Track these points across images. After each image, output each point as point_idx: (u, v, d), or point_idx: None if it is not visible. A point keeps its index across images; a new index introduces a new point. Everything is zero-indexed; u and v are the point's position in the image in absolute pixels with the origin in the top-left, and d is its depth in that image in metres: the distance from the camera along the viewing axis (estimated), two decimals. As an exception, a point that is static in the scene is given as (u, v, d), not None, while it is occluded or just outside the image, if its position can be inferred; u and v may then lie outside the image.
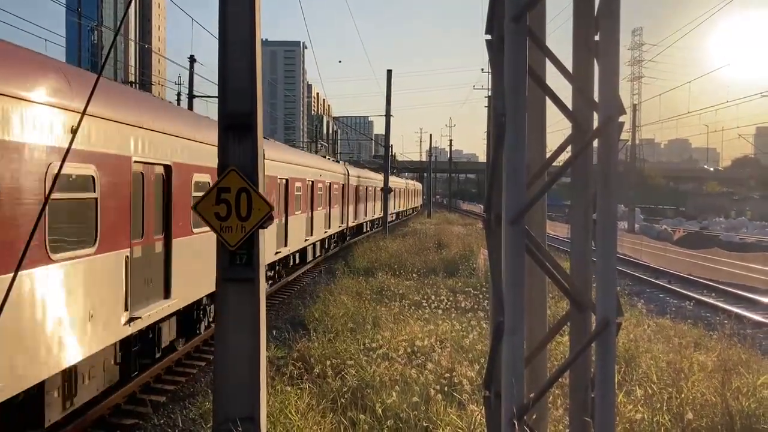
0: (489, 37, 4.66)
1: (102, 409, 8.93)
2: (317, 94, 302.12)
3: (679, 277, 24.99)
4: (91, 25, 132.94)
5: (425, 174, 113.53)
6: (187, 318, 11.99)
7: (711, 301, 19.32)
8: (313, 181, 23.89)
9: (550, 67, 4.62)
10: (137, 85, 56.90)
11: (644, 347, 10.25)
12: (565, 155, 4.87)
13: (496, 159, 4.50)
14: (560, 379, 4.88)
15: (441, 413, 7.28)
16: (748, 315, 16.85)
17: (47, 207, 6.07)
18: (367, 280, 18.68)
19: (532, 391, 4.64)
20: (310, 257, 24.90)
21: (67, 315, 7.14)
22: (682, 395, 7.72)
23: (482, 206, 5.09)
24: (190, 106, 35.57)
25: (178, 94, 42.51)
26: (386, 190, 38.88)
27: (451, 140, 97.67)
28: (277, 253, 18.73)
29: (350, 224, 34.20)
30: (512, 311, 4.25)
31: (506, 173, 4.29)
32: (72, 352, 7.23)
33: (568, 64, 4.53)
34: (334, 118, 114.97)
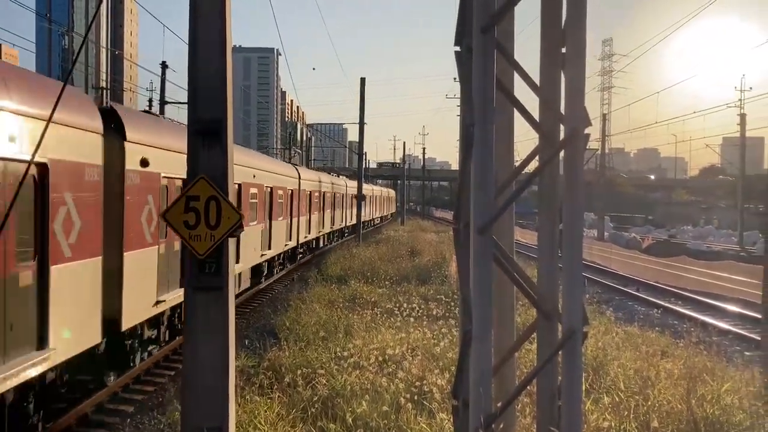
0: (458, 48, 4.70)
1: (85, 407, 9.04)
2: (291, 101, 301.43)
3: (648, 285, 25.30)
4: (61, 30, 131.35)
5: (398, 181, 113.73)
6: None
7: (678, 309, 19.58)
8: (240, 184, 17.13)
9: (517, 79, 4.67)
10: (108, 92, 56.26)
11: (612, 355, 10.35)
12: (534, 164, 4.93)
13: (465, 169, 4.53)
14: (528, 387, 4.91)
15: (411, 422, 7.27)
16: (714, 323, 17.10)
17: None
18: (339, 287, 18.63)
19: (500, 399, 4.66)
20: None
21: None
22: (649, 403, 7.81)
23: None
24: (162, 113, 35.25)
25: (150, 101, 42.13)
26: (359, 198, 38.88)
27: (424, 148, 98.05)
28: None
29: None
30: (480, 320, 4.27)
31: (474, 183, 4.32)
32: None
33: (536, 76, 4.59)
34: (307, 125, 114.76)
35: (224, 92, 6.37)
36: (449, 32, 4.72)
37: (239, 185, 18.11)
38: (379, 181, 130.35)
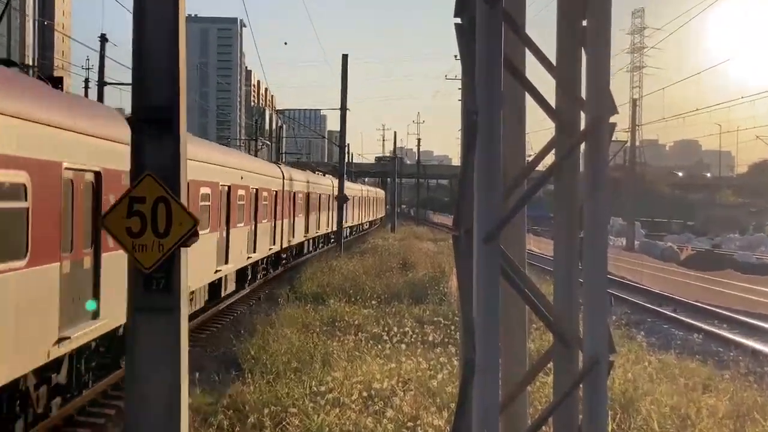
0: (459, 20, 4.71)
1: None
2: (258, 82, 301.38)
3: (687, 304, 25.45)
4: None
5: (388, 179, 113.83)
6: None
7: (723, 333, 19.71)
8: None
9: (530, 57, 4.70)
10: (35, 69, 56.03)
11: (644, 389, 10.40)
12: (549, 159, 4.95)
13: (467, 165, 4.55)
14: (543, 428, 4.93)
15: (402, 471, 7.28)
16: (767, 350, 17.22)
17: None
18: (316, 308, 18.60)
19: (508, 443, 4.67)
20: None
21: None
22: (689, 446, 7.85)
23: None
24: (101, 96, 35.15)
25: (86, 81, 41.99)
26: (341, 199, 38.87)
27: (419, 139, 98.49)
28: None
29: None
30: (485, 347, 4.28)
31: (478, 182, 4.34)
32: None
33: (552, 54, 4.61)
34: (278, 111, 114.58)
35: (176, 72, 6.36)
36: (449, 2, 4.74)
37: (228, 187, 20.35)
38: (367, 180, 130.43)
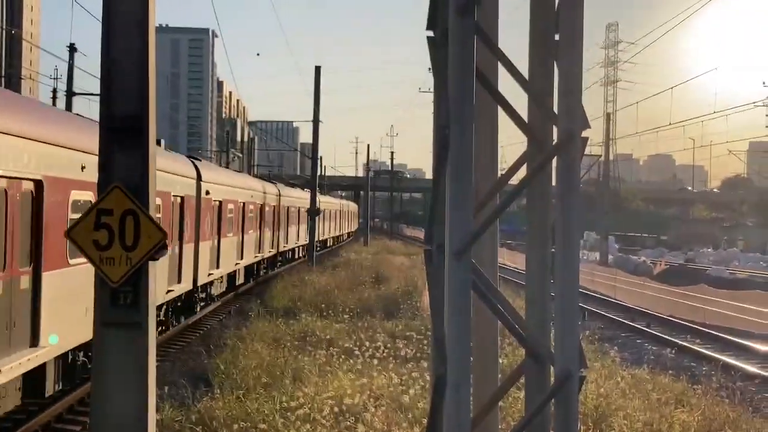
0: (431, 33, 4.75)
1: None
2: (230, 93, 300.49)
3: (660, 318, 25.65)
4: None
5: (361, 192, 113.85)
6: None
7: (696, 347, 19.88)
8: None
9: (503, 71, 4.73)
10: (2, 80, 55.59)
11: (617, 404, 10.46)
12: (522, 173, 4.99)
13: (439, 178, 4.57)
14: (515, 444, 4.94)
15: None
16: (739, 365, 17.39)
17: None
18: (287, 322, 18.53)
19: (480, 459, 4.68)
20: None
21: None
22: (661, 461, 7.90)
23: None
24: (69, 105, 34.88)
25: (54, 91, 41.67)
26: (313, 212, 38.83)
27: (392, 152, 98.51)
28: None
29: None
30: (456, 362, 4.29)
31: (450, 196, 4.36)
32: None
33: (525, 68, 4.65)
34: (250, 122, 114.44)
35: (146, 81, 6.34)
36: (423, 13, 4.77)
37: (219, 202, 21.38)
38: (342, 193, 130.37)
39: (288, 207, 41.09)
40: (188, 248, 20.08)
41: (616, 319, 25.13)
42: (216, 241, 23.87)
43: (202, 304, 23.24)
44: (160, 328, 18.28)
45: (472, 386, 4.50)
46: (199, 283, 21.85)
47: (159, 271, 17.00)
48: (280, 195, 38.43)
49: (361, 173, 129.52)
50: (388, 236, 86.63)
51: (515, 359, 12.23)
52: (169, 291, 18.30)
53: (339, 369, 12.62)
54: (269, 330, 17.28)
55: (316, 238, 40.56)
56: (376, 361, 13.18)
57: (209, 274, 23.14)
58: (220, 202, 24.16)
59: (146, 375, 6.19)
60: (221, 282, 26.13)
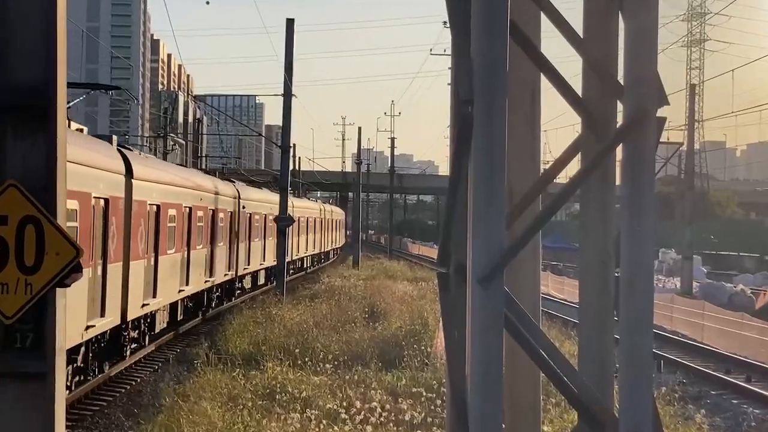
0: (448, -27, 4.76)
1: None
2: (168, 56, 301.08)
3: (765, 370, 25.60)
4: None
5: (350, 194, 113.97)
6: None
7: (814, 409, 19.84)
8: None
9: (547, 24, 4.75)
10: None
11: (705, 488, 10.46)
12: (574, 168, 4.99)
13: (459, 175, 4.58)
14: None
15: None
16: None
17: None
18: (247, 374, 18.52)
19: None
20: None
21: None
22: None
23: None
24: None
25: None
26: (283, 222, 38.83)
27: (393, 138, 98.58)
28: None
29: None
30: (482, 429, 4.29)
31: (474, 199, 4.36)
32: None
33: (577, 23, 4.67)
34: (196, 97, 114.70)
35: (52, 40, 6.36)
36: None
37: (157, 206, 23.07)
38: (319, 194, 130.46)
39: (250, 214, 41.08)
40: (114, 269, 20.03)
41: (703, 370, 25.08)
42: (153, 260, 23.88)
43: (132, 346, 23.20)
44: (75, 379, 18.12)
45: (504, 463, 4.50)
46: (129, 317, 21.74)
47: (74, 301, 16.94)
48: (238, 198, 38.41)
49: (349, 167, 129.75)
50: (387, 254, 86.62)
51: (564, 425, 12.23)
52: (89, 327, 18.08)
53: (319, 439, 12.59)
54: (223, 384, 17.25)
55: (288, 257, 40.53)
56: (370, 429, 13.16)
57: (143, 305, 23.12)
58: (158, 206, 24.21)
59: (51, 446, 6.18)
60: (161, 315, 26.13)
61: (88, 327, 18.07)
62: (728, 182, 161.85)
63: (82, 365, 18.53)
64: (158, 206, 24.11)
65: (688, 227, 57.02)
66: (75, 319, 16.59)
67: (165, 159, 60.53)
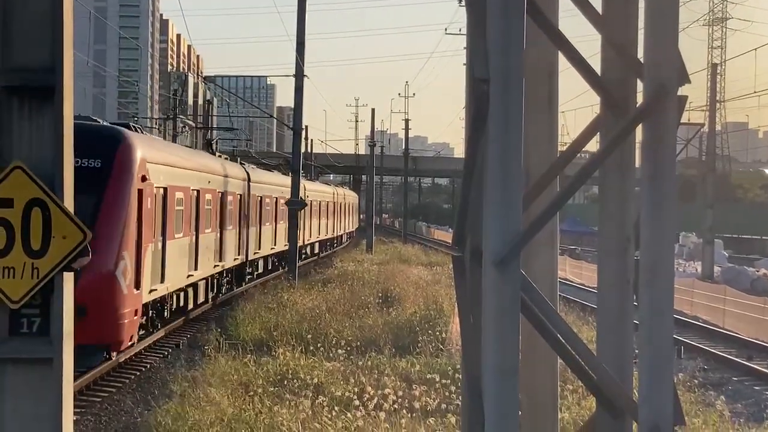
0: (463, -52, 4.74)
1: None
2: (178, 36, 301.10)
3: (788, 356, 25.55)
4: None
5: (363, 177, 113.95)
6: None
7: (839, 397, 19.80)
8: None
9: (565, 3, 4.73)
10: None
11: (726, 476, 10.45)
12: (592, 149, 4.97)
13: (474, 155, 4.56)
14: None
15: None
16: None
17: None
18: (258, 360, 18.57)
19: None
20: None
21: None
22: None
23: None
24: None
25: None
26: (295, 205, 38.83)
27: (407, 119, 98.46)
28: None
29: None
30: (499, 416, 4.29)
31: (491, 181, 4.35)
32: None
33: (596, 0, 4.64)
34: (206, 78, 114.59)
35: (59, 20, 6.35)
36: None
37: (164, 189, 23.77)
38: (335, 179, 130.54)
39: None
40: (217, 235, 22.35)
41: (724, 356, 25.05)
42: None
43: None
44: (196, 305, 24.55)
45: (520, 451, 4.49)
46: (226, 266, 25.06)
47: (184, 259, 23.81)
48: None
49: (362, 150, 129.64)
50: (401, 238, 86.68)
51: (582, 412, 12.22)
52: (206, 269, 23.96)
53: (331, 426, 12.61)
54: (233, 371, 17.31)
55: (300, 242, 40.56)
56: (383, 415, 13.17)
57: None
58: (165, 189, 24.21)
59: (60, 430, 6.20)
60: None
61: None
62: (751, 164, 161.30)
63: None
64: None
65: (709, 210, 56.78)
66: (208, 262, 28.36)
67: (174, 141, 60.63)
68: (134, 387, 19.08)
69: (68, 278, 6.36)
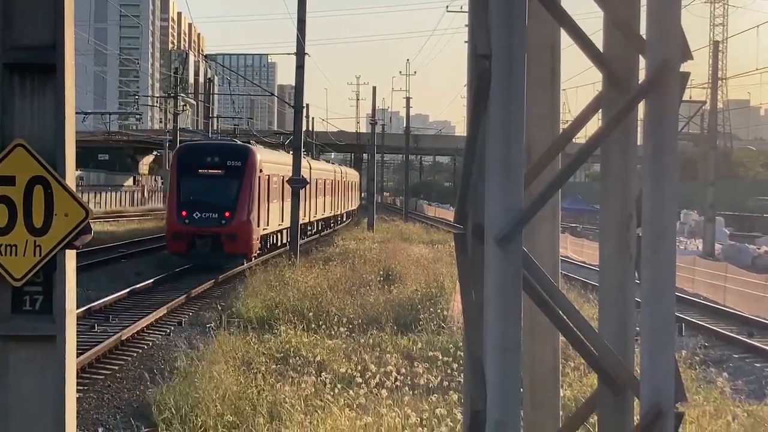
0: (464, -76, 4.72)
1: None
2: (179, 14, 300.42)
3: (788, 333, 25.56)
4: None
5: (365, 155, 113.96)
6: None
7: (839, 374, 19.82)
8: None
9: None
10: None
11: (727, 453, 10.48)
12: (594, 126, 4.96)
13: (476, 134, 4.56)
14: None
15: None
16: None
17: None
18: (260, 337, 18.62)
19: None
20: None
21: None
22: None
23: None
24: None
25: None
26: (297, 183, 38.89)
27: (408, 98, 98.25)
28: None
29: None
30: (500, 392, 4.29)
31: (492, 158, 4.34)
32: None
33: (597, -26, 4.61)
34: (207, 56, 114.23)
35: (60, 0, 6.33)
36: None
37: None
38: (333, 155, 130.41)
39: (269, 176, 41.36)
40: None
41: (725, 333, 25.08)
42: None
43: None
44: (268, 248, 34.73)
45: (522, 428, 4.50)
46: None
47: (278, 214, 41.06)
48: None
49: (363, 128, 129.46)
50: (402, 217, 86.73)
51: (583, 389, 12.25)
52: (280, 224, 37.33)
53: (333, 403, 12.65)
54: (236, 348, 17.35)
55: (301, 220, 40.71)
56: (385, 393, 13.20)
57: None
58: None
59: (62, 409, 6.21)
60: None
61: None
62: (752, 141, 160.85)
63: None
64: None
65: (710, 188, 56.75)
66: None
67: (175, 120, 61.11)
68: (137, 364, 19.13)
69: (70, 256, 6.36)
